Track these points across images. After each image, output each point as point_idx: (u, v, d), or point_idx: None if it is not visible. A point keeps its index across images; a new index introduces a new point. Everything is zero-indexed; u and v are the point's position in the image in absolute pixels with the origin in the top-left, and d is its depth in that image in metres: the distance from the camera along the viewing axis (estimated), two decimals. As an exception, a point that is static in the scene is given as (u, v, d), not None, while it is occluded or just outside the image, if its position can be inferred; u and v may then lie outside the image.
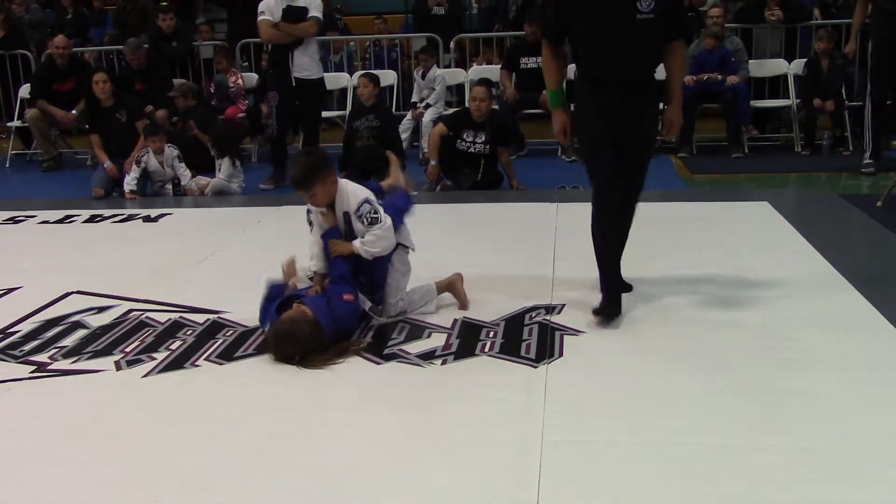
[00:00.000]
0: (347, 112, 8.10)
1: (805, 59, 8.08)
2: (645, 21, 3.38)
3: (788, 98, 8.22)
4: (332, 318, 3.38)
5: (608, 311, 3.52)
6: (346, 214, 3.59)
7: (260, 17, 6.82)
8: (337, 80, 9.10)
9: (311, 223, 3.71)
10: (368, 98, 6.95)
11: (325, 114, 9.25)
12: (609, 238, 3.59)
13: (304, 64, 6.80)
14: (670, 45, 3.54)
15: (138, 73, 8.30)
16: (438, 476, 2.48)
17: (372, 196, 3.61)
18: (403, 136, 7.80)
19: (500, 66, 8.42)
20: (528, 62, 8.05)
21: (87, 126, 7.45)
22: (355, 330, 3.53)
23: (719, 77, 7.80)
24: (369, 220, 3.54)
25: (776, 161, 7.68)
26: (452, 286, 3.87)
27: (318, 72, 7.02)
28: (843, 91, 7.89)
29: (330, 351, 3.31)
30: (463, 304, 3.83)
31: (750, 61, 8.19)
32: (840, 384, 2.97)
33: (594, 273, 3.64)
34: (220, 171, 6.83)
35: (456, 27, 9.82)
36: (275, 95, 6.94)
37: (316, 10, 6.79)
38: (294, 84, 6.80)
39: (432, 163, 6.62)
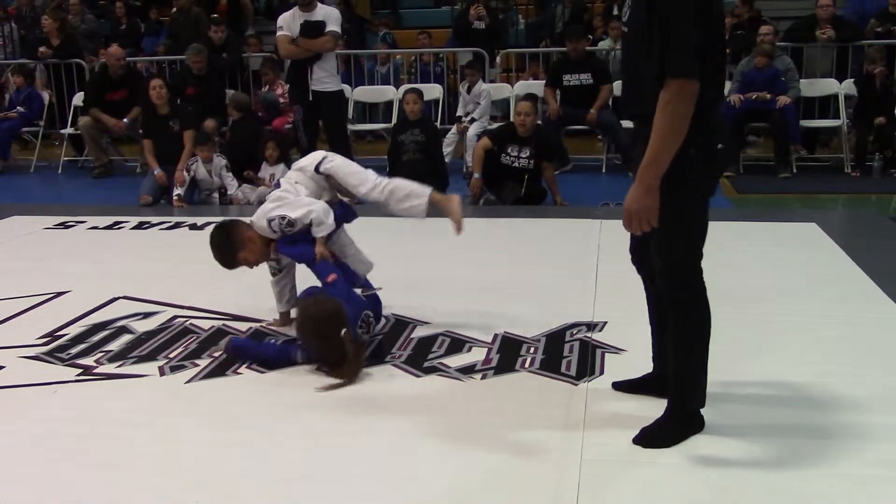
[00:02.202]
0: (393, 125, 8.15)
1: (854, 79, 7.96)
2: (625, 35, 2.65)
3: (839, 118, 8.10)
4: (345, 299, 3.42)
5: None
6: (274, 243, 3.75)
7: (278, 33, 6.79)
8: (383, 93, 9.19)
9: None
10: (415, 113, 6.99)
11: (370, 126, 9.36)
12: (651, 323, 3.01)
13: (322, 77, 6.76)
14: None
15: (194, 77, 8.44)
16: (476, 491, 2.47)
17: (276, 215, 3.71)
18: (448, 149, 7.83)
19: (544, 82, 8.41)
20: (571, 79, 8.01)
21: (140, 132, 7.59)
22: (362, 309, 3.48)
23: (768, 96, 7.70)
24: (282, 230, 3.65)
25: (825, 182, 7.57)
26: (447, 203, 3.75)
27: (337, 84, 6.97)
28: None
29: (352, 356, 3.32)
30: (457, 227, 3.73)
31: (800, 80, 8.08)
32: (890, 413, 2.90)
33: (636, 291, 3.60)
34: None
35: (497, 42, 9.83)
36: (298, 109, 6.96)
37: (334, 24, 6.73)
38: (312, 98, 6.76)
39: (476, 176, 6.63)
